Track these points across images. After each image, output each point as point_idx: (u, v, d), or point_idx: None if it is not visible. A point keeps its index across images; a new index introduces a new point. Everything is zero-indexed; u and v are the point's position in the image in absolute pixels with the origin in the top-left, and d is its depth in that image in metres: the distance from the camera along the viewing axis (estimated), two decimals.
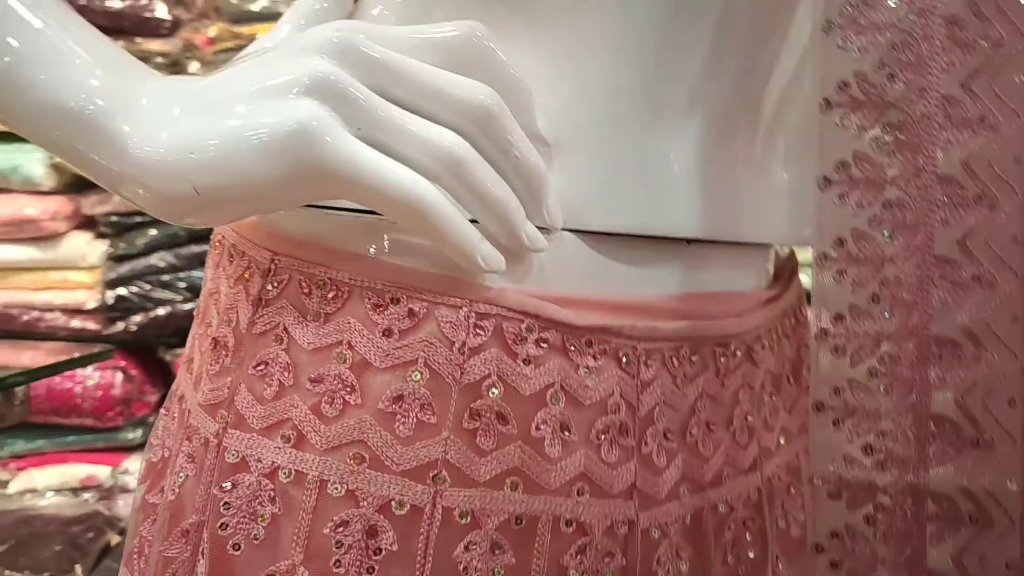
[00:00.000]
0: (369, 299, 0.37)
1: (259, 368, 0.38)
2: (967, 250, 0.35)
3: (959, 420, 0.35)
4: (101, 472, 1.56)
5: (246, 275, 0.40)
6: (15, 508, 1.49)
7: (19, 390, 1.36)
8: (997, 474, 0.35)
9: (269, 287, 0.39)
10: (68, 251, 1.55)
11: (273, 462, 0.37)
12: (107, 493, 1.54)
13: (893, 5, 0.35)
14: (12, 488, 1.54)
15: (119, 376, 1.54)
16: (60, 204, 1.53)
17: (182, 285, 1.58)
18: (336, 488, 0.36)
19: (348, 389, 0.37)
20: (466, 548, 0.36)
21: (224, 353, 0.40)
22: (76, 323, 1.55)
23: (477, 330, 0.37)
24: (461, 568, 0.36)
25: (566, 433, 0.38)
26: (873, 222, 0.36)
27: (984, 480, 0.35)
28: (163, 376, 1.65)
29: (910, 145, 0.35)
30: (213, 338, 0.41)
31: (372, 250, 0.38)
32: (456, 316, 0.37)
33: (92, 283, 1.56)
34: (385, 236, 0.38)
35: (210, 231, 0.46)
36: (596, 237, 0.39)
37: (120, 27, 1.59)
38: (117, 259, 1.57)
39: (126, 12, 1.58)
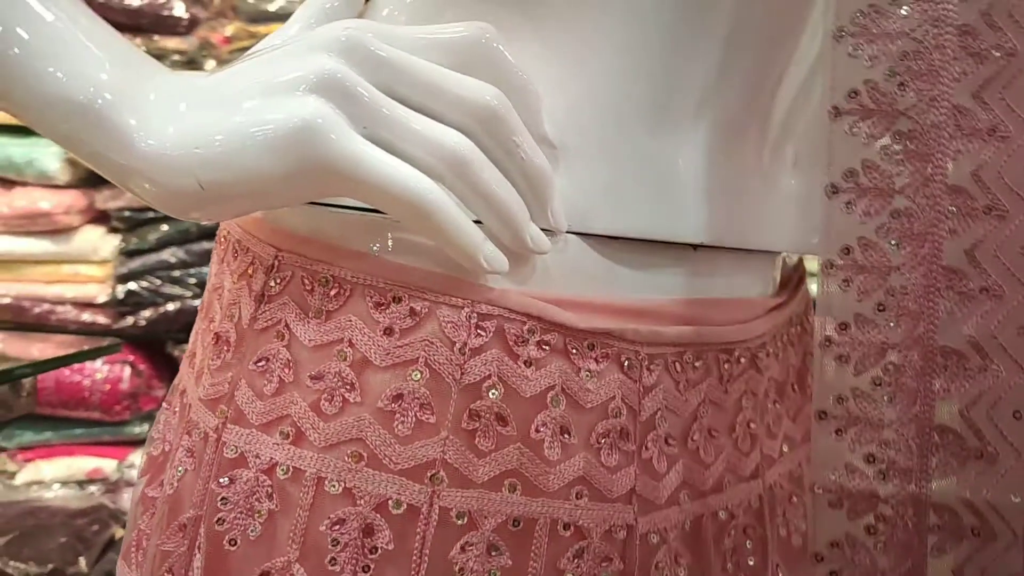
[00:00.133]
0: (371, 297, 0.37)
1: (260, 364, 0.38)
2: (975, 261, 0.35)
3: (963, 432, 0.34)
4: (107, 465, 1.57)
5: (249, 271, 0.40)
6: (21, 499, 1.49)
7: (26, 382, 1.37)
8: (1001, 487, 0.34)
9: (272, 283, 0.39)
10: (80, 245, 1.56)
11: (271, 458, 0.37)
12: (113, 486, 1.55)
13: (905, 14, 0.35)
14: (19, 479, 1.55)
15: (127, 370, 1.55)
16: (74, 198, 1.54)
17: (192, 281, 1.58)
18: (333, 486, 0.36)
19: (348, 387, 0.37)
20: (462, 549, 0.36)
21: (226, 348, 0.40)
22: (86, 317, 1.56)
23: (478, 331, 0.37)
24: (457, 569, 0.36)
25: (566, 436, 0.38)
26: (880, 231, 0.36)
27: (987, 493, 0.34)
28: (171, 371, 1.65)
29: (919, 154, 0.35)
30: (215, 333, 0.41)
31: (375, 248, 0.38)
32: (458, 316, 0.36)
33: (103, 277, 1.57)
34: (388, 235, 0.37)
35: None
36: (601, 240, 0.39)
37: (138, 25, 1.60)
38: (129, 254, 1.58)
39: (144, 10, 1.59)
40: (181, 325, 1.58)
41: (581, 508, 0.38)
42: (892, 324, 0.35)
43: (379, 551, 0.36)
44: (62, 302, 1.56)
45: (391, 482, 0.36)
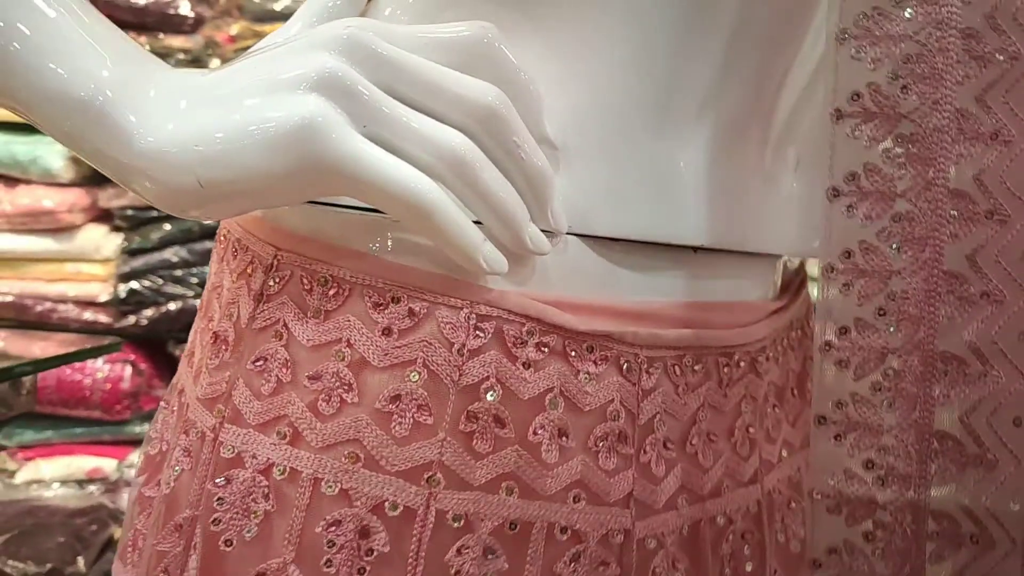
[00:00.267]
0: (370, 297, 0.37)
1: (258, 364, 0.38)
2: (976, 266, 0.34)
3: (962, 438, 0.34)
4: (107, 465, 1.57)
5: (248, 270, 0.40)
6: (21, 498, 1.49)
7: (26, 380, 1.37)
8: (1000, 494, 0.34)
9: (271, 282, 0.38)
10: (83, 243, 1.56)
11: (268, 458, 0.37)
12: (112, 486, 1.55)
13: (909, 16, 0.35)
14: (19, 478, 1.55)
15: (128, 370, 1.55)
16: (77, 196, 1.54)
17: (194, 280, 1.58)
18: (330, 487, 0.36)
19: (345, 387, 0.36)
20: (458, 552, 0.36)
21: (224, 347, 0.40)
22: (88, 315, 1.56)
23: (477, 332, 0.36)
24: (453, 572, 0.36)
25: (564, 439, 0.38)
26: (881, 235, 0.35)
27: (986, 500, 0.34)
28: (172, 371, 1.63)
29: (921, 158, 0.35)
30: (214, 332, 0.41)
31: (374, 248, 0.37)
32: (456, 317, 0.36)
33: (106, 276, 1.57)
34: (388, 235, 0.37)
35: None
36: (601, 242, 0.39)
37: (143, 23, 1.60)
38: (131, 253, 1.58)
39: (150, 8, 1.59)
40: (183, 324, 1.58)
41: (578, 512, 0.38)
42: (892, 329, 0.35)
43: (375, 553, 0.36)
44: (64, 300, 1.56)
45: (388, 484, 0.36)
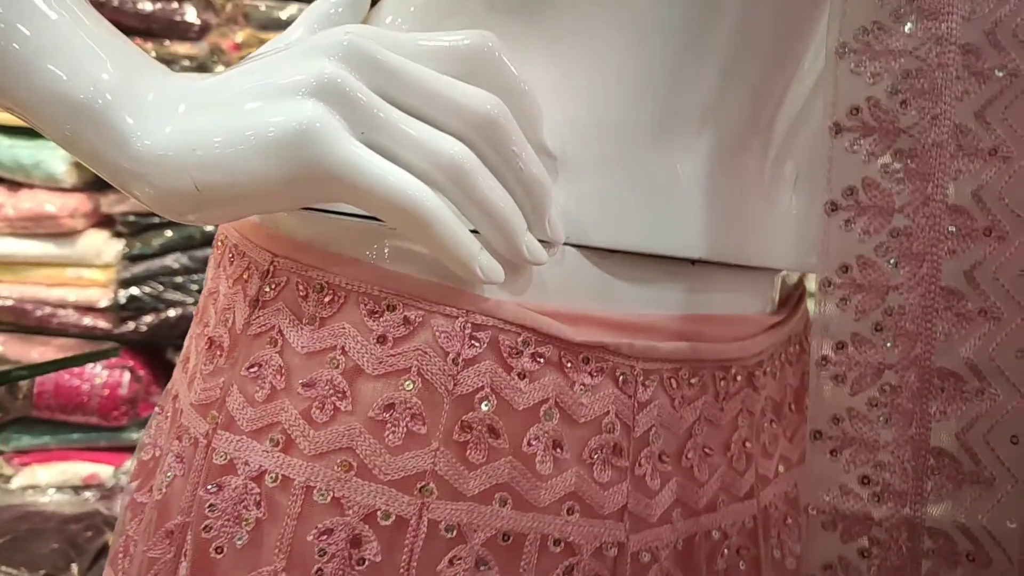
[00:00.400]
0: (365, 305, 0.37)
1: (252, 370, 0.38)
2: (974, 282, 0.34)
3: (959, 455, 0.34)
4: (103, 471, 1.56)
5: (245, 276, 0.40)
6: (16, 503, 1.49)
7: (23, 384, 1.37)
8: (996, 512, 0.34)
9: (267, 289, 0.38)
10: (84, 248, 1.56)
11: (260, 466, 0.37)
12: (108, 493, 1.54)
13: (909, 32, 0.35)
14: (15, 483, 1.54)
15: (127, 376, 1.55)
16: (80, 201, 1.54)
17: (194, 287, 1.58)
18: (322, 495, 0.36)
19: (339, 395, 0.36)
20: (450, 563, 0.36)
21: (219, 353, 0.40)
22: (88, 321, 1.56)
23: (472, 341, 0.36)
24: None
25: (558, 450, 0.37)
26: (879, 250, 0.35)
27: (983, 518, 0.34)
28: (170, 377, 1.64)
29: (920, 173, 0.35)
30: (209, 338, 0.41)
31: (371, 255, 0.37)
32: (451, 326, 0.36)
33: (106, 281, 1.57)
34: (384, 242, 0.37)
35: None
36: (598, 253, 0.39)
37: (149, 29, 1.61)
38: (132, 259, 1.58)
39: (156, 15, 1.60)
40: (182, 331, 1.57)
41: (572, 524, 0.38)
42: (889, 344, 0.35)
43: (366, 563, 0.36)
44: (64, 305, 1.56)
45: (380, 493, 0.36)
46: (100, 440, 1.58)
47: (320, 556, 0.35)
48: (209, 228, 1.55)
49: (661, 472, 0.40)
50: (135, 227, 1.58)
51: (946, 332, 0.34)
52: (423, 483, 0.36)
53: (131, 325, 1.57)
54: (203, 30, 1.66)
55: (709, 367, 0.42)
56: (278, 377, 0.37)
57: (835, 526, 0.35)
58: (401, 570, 0.36)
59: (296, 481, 0.36)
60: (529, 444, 0.37)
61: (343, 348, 0.36)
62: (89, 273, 1.56)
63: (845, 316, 0.36)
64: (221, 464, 0.37)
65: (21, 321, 1.54)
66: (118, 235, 1.60)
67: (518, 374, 0.37)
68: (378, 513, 0.36)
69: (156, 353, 1.65)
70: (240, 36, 1.68)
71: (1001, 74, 0.34)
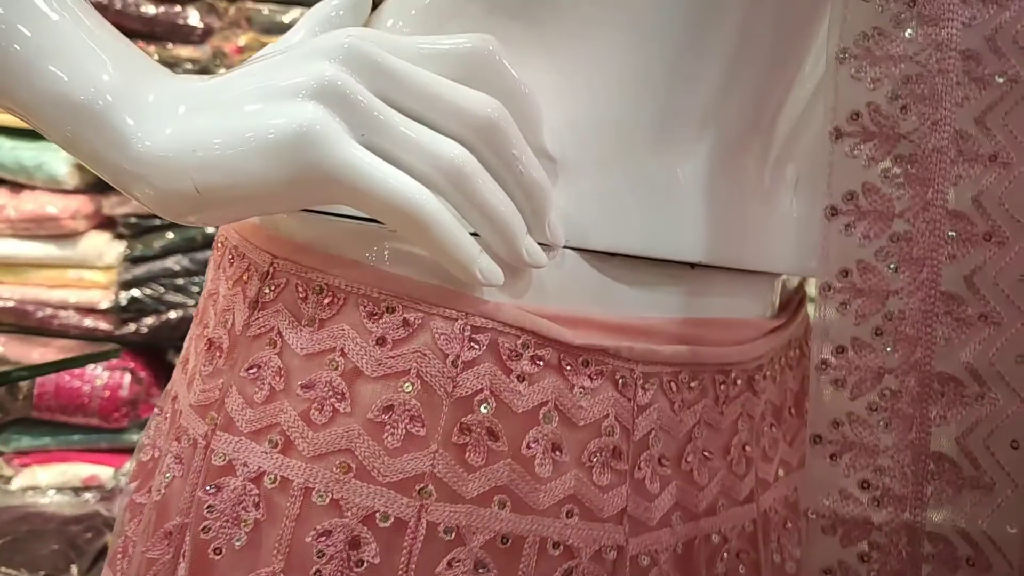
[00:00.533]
0: (364, 307, 0.37)
1: (251, 371, 0.38)
2: (974, 287, 0.34)
3: (959, 460, 0.34)
4: (103, 473, 1.56)
5: (244, 277, 0.40)
6: (16, 504, 1.49)
7: (23, 385, 1.37)
8: (997, 517, 0.34)
9: (266, 290, 0.38)
10: (86, 250, 1.56)
11: (259, 467, 0.37)
12: (108, 494, 1.54)
13: (909, 37, 0.35)
14: (15, 484, 1.54)
15: (127, 377, 1.55)
16: (81, 203, 1.54)
17: (195, 289, 1.58)
18: (321, 497, 0.36)
19: (338, 397, 0.36)
20: (449, 565, 0.36)
21: (218, 354, 0.40)
22: (88, 322, 1.56)
23: (472, 343, 0.36)
24: None
25: (557, 453, 0.37)
26: (879, 254, 0.35)
27: (983, 523, 0.34)
28: (170, 380, 1.64)
29: (920, 179, 0.35)
30: (208, 339, 0.41)
31: (370, 257, 0.37)
32: (451, 328, 0.36)
33: (107, 283, 1.57)
34: (384, 244, 0.37)
35: None
36: (598, 256, 0.39)
37: (153, 32, 1.61)
38: (133, 260, 1.58)
39: (159, 18, 1.60)
40: (183, 333, 1.56)
41: (571, 527, 0.38)
42: (889, 349, 0.35)
43: (365, 564, 0.36)
44: (65, 307, 1.56)
45: (379, 494, 0.36)
46: (100, 441, 1.58)
47: (319, 557, 0.35)
48: (210, 230, 1.55)
49: (661, 475, 0.40)
50: (136, 229, 1.58)
51: (946, 337, 0.34)
52: (422, 485, 0.36)
53: (132, 327, 1.57)
54: (206, 34, 1.66)
55: (709, 371, 0.42)
56: (277, 378, 0.37)
57: (835, 530, 0.35)
58: (400, 572, 0.36)
59: (295, 482, 0.36)
60: (528, 447, 0.37)
61: (342, 350, 0.36)
62: (90, 275, 1.56)
63: (845, 320, 0.36)
64: (220, 465, 0.37)
65: (22, 322, 1.54)
66: (119, 237, 1.60)
67: (517, 377, 0.37)
68: (377, 515, 0.36)
69: (157, 355, 1.65)
70: (243, 40, 1.68)
71: (1001, 80, 0.34)
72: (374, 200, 0.33)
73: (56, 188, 1.54)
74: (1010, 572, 0.34)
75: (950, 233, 0.34)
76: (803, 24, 0.40)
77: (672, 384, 0.40)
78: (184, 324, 1.57)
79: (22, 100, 0.34)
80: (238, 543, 0.36)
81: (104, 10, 1.56)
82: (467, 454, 0.36)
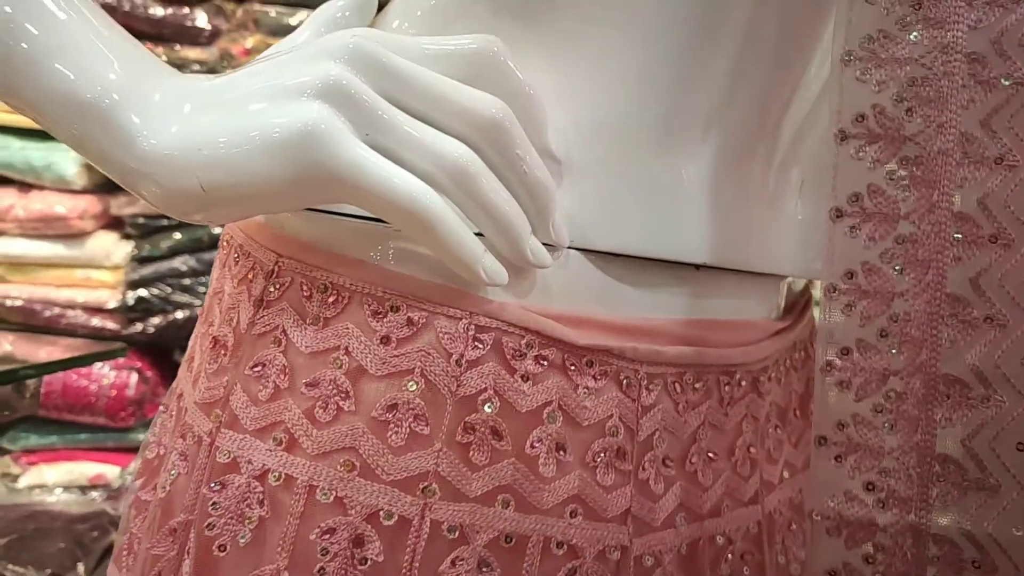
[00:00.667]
0: (369, 306, 0.37)
1: (256, 369, 0.38)
2: (979, 289, 0.34)
3: (964, 462, 0.34)
4: (110, 472, 1.57)
5: (250, 275, 0.40)
6: (23, 502, 1.49)
7: (30, 383, 1.37)
8: (1003, 520, 0.34)
9: (271, 288, 0.39)
10: (94, 250, 1.57)
11: (263, 464, 0.37)
12: (115, 493, 1.54)
13: (915, 40, 0.35)
14: (22, 483, 1.55)
15: (134, 377, 1.55)
16: (89, 203, 1.55)
17: (202, 290, 1.59)
18: (325, 494, 0.36)
19: (343, 395, 0.36)
20: (452, 564, 0.36)
21: (223, 352, 0.40)
22: (96, 322, 1.57)
23: (476, 343, 0.36)
24: None
25: (561, 453, 0.37)
26: (884, 256, 0.35)
27: (989, 525, 0.34)
28: None
29: (926, 181, 0.35)
30: (213, 337, 0.41)
31: (375, 257, 0.37)
32: (455, 328, 0.36)
33: (115, 283, 1.57)
34: (388, 243, 0.37)
35: None
36: (602, 257, 0.39)
37: (160, 34, 1.62)
38: (141, 260, 1.59)
39: (167, 20, 1.61)
40: (189, 333, 1.56)
41: (575, 527, 0.38)
42: (894, 351, 0.35)
43: (369, 562, 0.36)
44: (72, 306, 1.57)
45: (383, 493, 0.36)
46: (107, 440, 1.58)
47: (322, 555, 0.36)
48: (217, 231, 1.55)
49: (665, 476, 0.40)
50: (144, 229, 1.59)
51: (951, 339, 0.34)
52: (426, 483, 0.36)
53: (139, 326, 1.57)
54: (213, 35, 1.67)
55: (714, 372, 0.42)
56: (282, 376, 0.37)
57: (840, 532, 0.35)
58: (403, 570, 0.36)
59: (299, 480, 0.36)
60: (532, 446, 0.37)
61: (347, 348, 0.37)
62: (98, 274, 1.57)
63: (850, 322, 0.36)
64: (224, 462, 0.38)
65: (30, 321, 1.55)
66: (127, 237, 1.60)
67: (521, 376, 0.37)
68: (381, 513, 0.36)
69: (163, 354, 1.65)
70: (250, 42, 1.69)
71: (1007, 83, 0.34)
72: (378, 199, 0.33)
73: (64, 188, 1.55)
74: (1016, 575, 0.34)
75: (956, 235, 0.34)
76: (808, 26, 0.40)
77: (676, 385, 0.40)
78: (191, 324, 1.58)
79: (29, 98, 0.34)
80: (242, 540, 0.37)
81: (112, 12, 1.56)
82: (471, 453, 0.36)
